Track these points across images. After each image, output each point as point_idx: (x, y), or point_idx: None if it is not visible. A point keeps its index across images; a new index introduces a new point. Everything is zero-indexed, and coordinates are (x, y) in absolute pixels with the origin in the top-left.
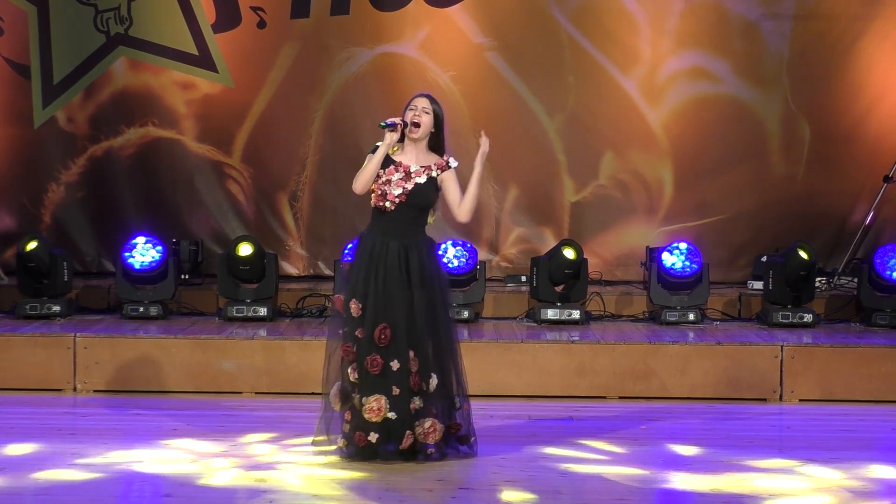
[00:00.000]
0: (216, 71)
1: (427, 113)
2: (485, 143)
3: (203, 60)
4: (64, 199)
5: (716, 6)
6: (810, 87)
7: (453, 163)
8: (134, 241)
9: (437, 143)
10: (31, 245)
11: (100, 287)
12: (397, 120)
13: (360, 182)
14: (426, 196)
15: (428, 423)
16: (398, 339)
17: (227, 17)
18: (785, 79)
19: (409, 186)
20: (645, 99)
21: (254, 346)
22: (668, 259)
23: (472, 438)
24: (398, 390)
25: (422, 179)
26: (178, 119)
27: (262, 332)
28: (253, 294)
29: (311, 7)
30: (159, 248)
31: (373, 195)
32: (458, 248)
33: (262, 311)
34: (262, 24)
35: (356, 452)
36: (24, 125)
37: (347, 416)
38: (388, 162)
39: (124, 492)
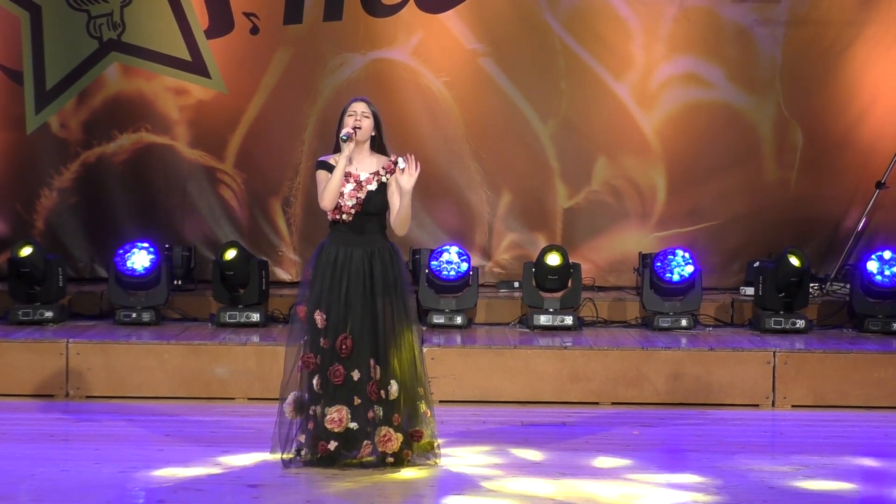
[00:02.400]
0: (209, 77)
1: (367, 117)
2: (409, 167)
3: (196, 66)
4: (57, 204)
5: (709, 12)
6: (803, 92)
7: (402, 163)
8: (127, 247)
9: (379, 145)
10: (26, 250)
11: (92, 293)
12: (350, 129)
13: (328, 199)
14: (379, 202)
15: (383, 431)
16: (360, 349)
17: (220, 22)
18: (778, 84)
19: (362, 196)
20: (638, 104)
21: (246, 352)
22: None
23: (436, 444)
24: (359, 400)
25: (373, 186)
26: (170, 125)
27: (255, 338)
28: (243, 300)
29: (303, 13)
30: (152, 253)
31: None
32: (460, 254)
33: (255, 317)
34: (254, 30)
35: (316, 461)
36: (17, 131)
37: (310, 425)
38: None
39: (117, 498)
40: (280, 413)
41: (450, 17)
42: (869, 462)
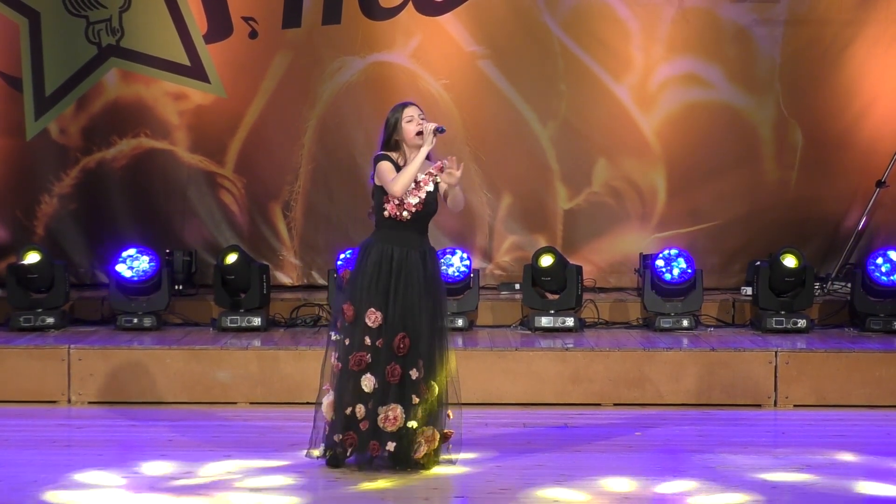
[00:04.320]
0: (208, 81)
1: (424, 119)
2: (452, 166)
3: (195, 71)
4: (57, 210)
5: (708, 12)
6: (802, 92)
7: (447, 164)
8: (127, 253)
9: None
10: (33, 256)
11: (93, 298)
12: (440, 126)
13: (401, 185)
14: (436, 203)
15: (428, 431)
16: (415, 349)
17: (219, 27)
18: (777, 84)
19: (423, 196)
20: (637, 106)
21: (248, 357)
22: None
23: (449, 446)
24: (417, 399)
25: (430, 187)
26: (170, 130)
27: (257, 343)
28: (244, 304)
29: (302, 17)
30: (153, 259)
31: (386, 205)
32: (462, 256)
33: (256, 321)
34: (253, 35)
35: (368, 462)
36: (17, 137)
37: (363, 425)
38: (397, 167)
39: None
40: (317, 413)
41: (448, 20)
42: (871, 461)
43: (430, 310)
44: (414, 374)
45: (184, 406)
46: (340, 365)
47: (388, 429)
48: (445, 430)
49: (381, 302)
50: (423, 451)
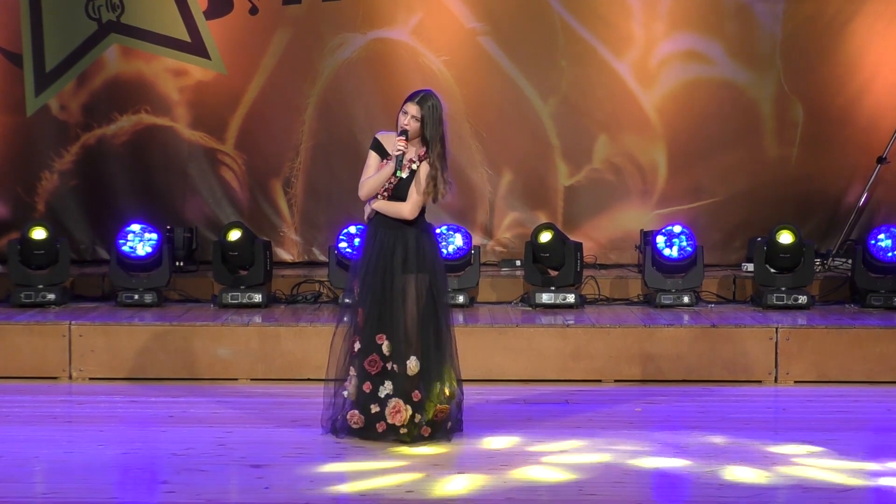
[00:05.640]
0: (209, 58)
1: (416, 120)
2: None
3: (195, 47)
4: (57, 187)
5: None
6: (803, 68)
7: (437, 162)
8: (128, 229)
9: (425, 137)
10: (39, 233)
11: (94, 275)
12: (402, 146)
13: (365, 194)
14: (406, 189)
15: (393, 402)
16: (369, 323)
17: (219, 3)
18: (778, 60)
19: (393, 182)
20: (638, 82)
21: (249, 333)
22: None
23: (457, 423)
24: (354, 371)
25: (405, 174)
26: (170, 106)
27: (257, 319)
28: (247, 280)
29: None
30: (154, 235)
31: None
32: (456, 233)
33: (257, 298)
34: (254, 11)
35: (351, 431)
36: (17, 114)
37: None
38: (383, 154)
39: (120, 479)
40: (336, 392)
41: None
42: (872, 437)
43: (403, 288)
44: (357, 346)
45: (184, 382)
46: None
47: (352, 399)
48: (439, 406)
49: (360, 278)
50: (398, 419)
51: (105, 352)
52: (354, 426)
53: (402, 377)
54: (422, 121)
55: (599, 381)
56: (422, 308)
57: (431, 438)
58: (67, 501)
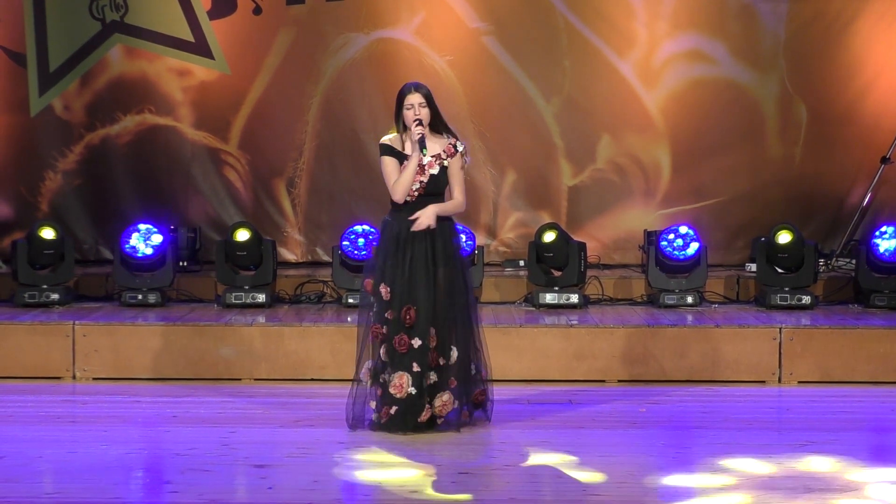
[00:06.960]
0: (212, 58)
1: (424, 107)
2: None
3: (199, 47)
4: (61, 187)
5: None
6: (807, 68)
7: (460, 146)
8: (132, 229)
9: (437, 123)
10: (48, 232)
11: (98, 275)
12: (423, 131)
13: (399, 194)
14: (441, 184)
15: (445, 395)
16: (422, 319)
17: (223, 3)
18: (781, 60)
19: (425, 179)
20: (641, 82)
21: (252, 333)
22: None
23: (489, 403)
24: (418, 367)
25: (435, 171)
26: (174, 106)
27: (261, 319)
28: (251, 280)
29: None
30: (157, 235)
31: None
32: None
33: (261, 298)
34: (257, 11)
35: (381, 426)
36: (21, 113)
37: (379, 391)
38: (401, 158)
39: (124, 479)
40: (357, 388)
41: None
42: (876, 437)
43: (444, 281)
44: (416, 343)
45: (188, 382)
46: (371, 336)
47: (397, 395)
48: (477, 392)
49: (389, 277)
50: (426, 416)
51: (109, 352)
52: (388, 420)
53: (446, 368)
54: (429, 105)
55: (603, 381)
56: (460, 299)
57: (471, 422)
58: (71, 501)
